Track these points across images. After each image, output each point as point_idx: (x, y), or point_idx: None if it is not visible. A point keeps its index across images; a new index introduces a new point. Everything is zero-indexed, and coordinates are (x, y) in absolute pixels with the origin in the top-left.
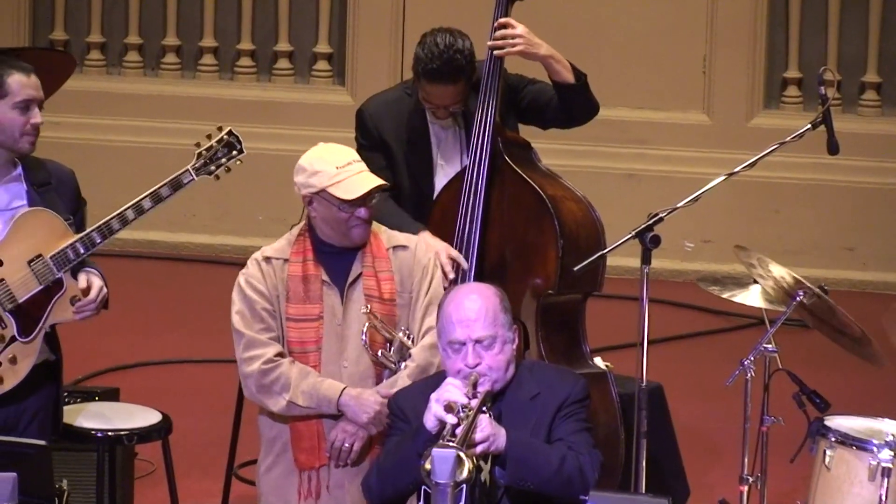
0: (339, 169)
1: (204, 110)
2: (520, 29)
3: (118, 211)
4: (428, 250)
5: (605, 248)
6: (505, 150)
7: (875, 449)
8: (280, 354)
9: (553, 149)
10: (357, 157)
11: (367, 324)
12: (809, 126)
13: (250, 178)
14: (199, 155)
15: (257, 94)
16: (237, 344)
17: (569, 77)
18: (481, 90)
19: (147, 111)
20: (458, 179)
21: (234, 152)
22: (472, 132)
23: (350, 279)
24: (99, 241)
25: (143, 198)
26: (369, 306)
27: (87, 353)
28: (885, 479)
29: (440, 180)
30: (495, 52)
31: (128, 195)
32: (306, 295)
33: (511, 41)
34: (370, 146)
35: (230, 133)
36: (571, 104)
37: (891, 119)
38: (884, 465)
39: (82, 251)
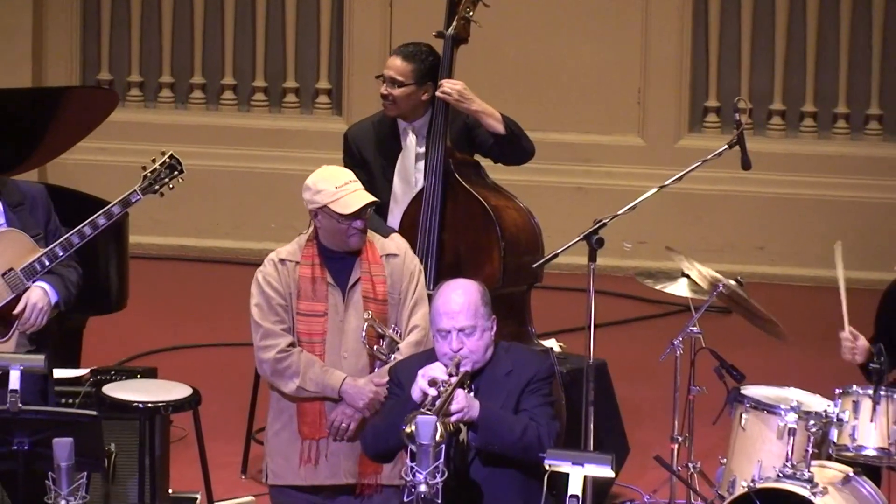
0: (337, 188)
1: (225, 138)
2: (458, 86)
3: (77, 228)
4: (414, 258)
5: (542, 249)
6: (456, 170)
7: (783, 412)
8: (291, 344)
9: (514, 167)
10: (353, 177)
11: (366, 324)
12: (726, 146)
13: (264, 192)
14: (145, 177)
15: (269, 123)
16: (255, 332)
17: (498, 128)
18: (433, 123)
19: (177, 138)
20: (421, 195)
21: (176, 172)
22: (429, 154)
23: (350, 282)
24: (62, 253)
25: (98, 216)
26: (370, 312)
27: (131, 339)
28: (791, 438)
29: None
30: (437, 95)
31: (162, 211)
32: (314, 294)
33: (448, 94)
34: (353, 164)
35: (171, 157)
36: (504, 150)
37: (793, 140)
38: (790, 426)
39: (48, 263)
